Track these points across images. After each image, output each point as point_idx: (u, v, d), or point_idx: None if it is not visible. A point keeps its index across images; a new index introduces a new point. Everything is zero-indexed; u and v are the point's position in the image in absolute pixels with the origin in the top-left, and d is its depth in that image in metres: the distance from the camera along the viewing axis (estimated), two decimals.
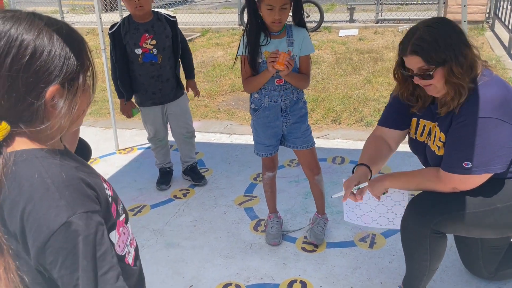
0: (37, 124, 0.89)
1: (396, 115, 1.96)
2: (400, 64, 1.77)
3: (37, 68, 0.86)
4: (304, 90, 2.36)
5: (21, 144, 0.90)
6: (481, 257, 2.06)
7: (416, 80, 1.69)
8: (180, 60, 3.07)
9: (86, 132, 4.22)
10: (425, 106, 1.85)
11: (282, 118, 2.32)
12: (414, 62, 1.66)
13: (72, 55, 0.90)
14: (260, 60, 2.21)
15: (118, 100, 3.11)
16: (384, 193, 1.90)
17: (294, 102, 2.31)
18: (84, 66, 0.93)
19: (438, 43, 1.60)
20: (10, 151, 0.89)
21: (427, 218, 1.74)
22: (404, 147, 2.09)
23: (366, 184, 1.79)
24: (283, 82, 2.24)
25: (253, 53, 2.18)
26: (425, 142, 1.87)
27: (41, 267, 0.88)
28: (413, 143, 1.96)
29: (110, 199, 1.00)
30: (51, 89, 0.88)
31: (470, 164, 1.62)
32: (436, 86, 1.68)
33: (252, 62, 2.20)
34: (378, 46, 7.08)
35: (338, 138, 3.95)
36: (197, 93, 3.24)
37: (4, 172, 0.86)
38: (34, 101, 0.87)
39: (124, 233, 1.07)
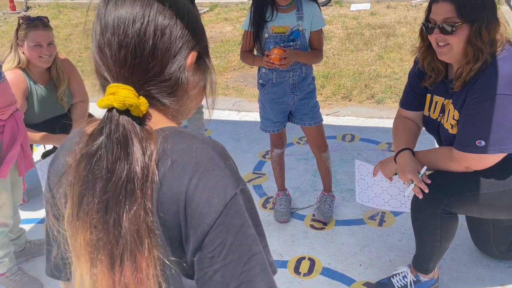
0: (176, 97, 0.81)
1: (415, 96, 1.92)
2: (426, 18, 1.68)
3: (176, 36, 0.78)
4: (314, 66, 2.32)
5: (158, 121, 0.80)
6: (493, 236, 2.03)
7: (436, 33, 1.61)
8: None
9: (93, 110, 4.20)
10: (437, 81, 1.79)
11: (290, 94, 2.28)
12: (443, 10, 1.58)
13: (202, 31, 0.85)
14: (267, 35, 2.17)
15: None
16: (395, 174, 1.87)
17: (303, 78, 2.26)
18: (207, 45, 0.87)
19: (476, 0, 1.55)
20: (154, 128, 0.78)
21: (438, 199, 1.70)
22: None
23: (425, 167, 1.74)
24: None
25: (258, 29, 2.15)
26: (438, 120, 1.82)
27: (194, 261, 0.74)
28: (426, 121, 1.91)
29: None
30: (191, 55, 0.81)
31: (483, 143, 1.57)
32: (452, 48, 1.60)
33: (256, 37, 2.17)
34: (391, 21, 6.92)
35: (348, 115, 3.90)
36: None
37: (157, 150, 0.75)
38: (175, 71, 0.79)
39: None
